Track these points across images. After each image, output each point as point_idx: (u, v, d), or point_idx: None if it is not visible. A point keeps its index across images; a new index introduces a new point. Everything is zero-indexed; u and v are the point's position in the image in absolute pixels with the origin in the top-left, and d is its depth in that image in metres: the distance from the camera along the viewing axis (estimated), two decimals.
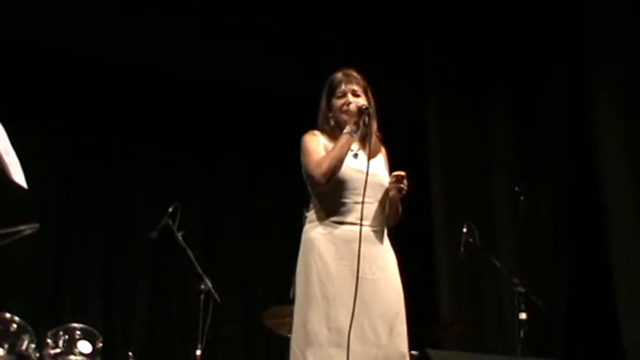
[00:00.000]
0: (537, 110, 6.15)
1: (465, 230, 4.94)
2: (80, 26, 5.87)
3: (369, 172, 3.24)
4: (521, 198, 5.25)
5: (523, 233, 5.79)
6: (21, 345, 4.48)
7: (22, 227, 4.09)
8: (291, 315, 4.61)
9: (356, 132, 3.27)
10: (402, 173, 3.27)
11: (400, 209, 3.37)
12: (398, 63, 6.48)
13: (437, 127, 6.40)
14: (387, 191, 3.30)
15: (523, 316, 4.70)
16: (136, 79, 6.20)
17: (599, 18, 5.58)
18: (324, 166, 3.23)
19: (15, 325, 4.50)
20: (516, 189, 5.29)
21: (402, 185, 3.25)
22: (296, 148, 3.61)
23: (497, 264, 5.06)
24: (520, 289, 4.77)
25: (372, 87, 3.52)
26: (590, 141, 5.50)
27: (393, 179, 3.28)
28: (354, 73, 3.40)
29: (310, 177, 3.29)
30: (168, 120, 6.42)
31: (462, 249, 4.92)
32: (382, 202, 3.34)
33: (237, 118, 6.49)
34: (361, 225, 3.19)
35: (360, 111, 3.27)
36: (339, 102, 3.36)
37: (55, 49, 5.90)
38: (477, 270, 5.72)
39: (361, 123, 3.27)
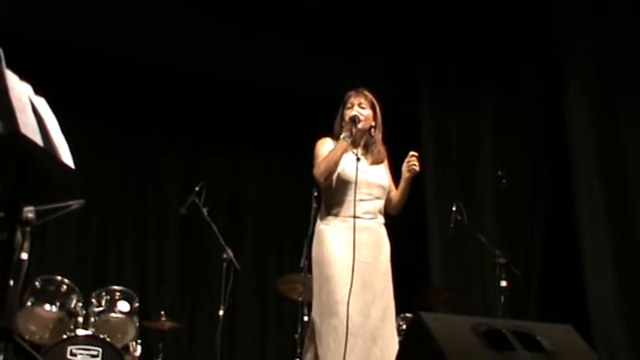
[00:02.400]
0: (518, 105, 6.11)
1: (454, 208, 4.94)
2: (129, 30, 5.85)
3: (367, 174, 3.40)
4: (503, 181, 5.26)
5: (504, 211, 5.80)
6: (70, 303, 4.54)
7: (70, 202, 4.11)
8: (300, 282, 4.68)
9: (350, 137, 3.39)
10: (415, 153, 3.42)
11: (407, 196, 3.49)
12: (395, 61, 6.47)
13: (430, 119, 6.37)
14: (405, 180, 3.41)
15: (503, 283, 4.71)
16: (167, 78, 6.17)
17: (571, 21, 5.55)
18: (322, 168, 3.38)
19: (65, 287, 4.57)
20: (499, 173, 5.30)
21: (414, 164, 3.38)
22: (305, 138, 3.65)
23: (482, 238, 5.07)
24: (501, 260, 4.78)
25: (371, 84, 3.58)
26: (563, 131, 5.48)
27: (408, 159, 3.42)
28: (365, 91, 3.53)
29: (313, 176, 3.43)
30: (197, 113, 6.41)
31: (451, 225, 4.92)
32: (383, 198, 3.46)
33: (256, 111, 6.45)
34: (355, 217, 3.31)
35: (352, 119, 3.41)
36: (347, 112, 3.48)
37: (100, 52, 5.86)
38: (464, 243, 5.71)
39: (354, 130, 3.38)
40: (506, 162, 5.76)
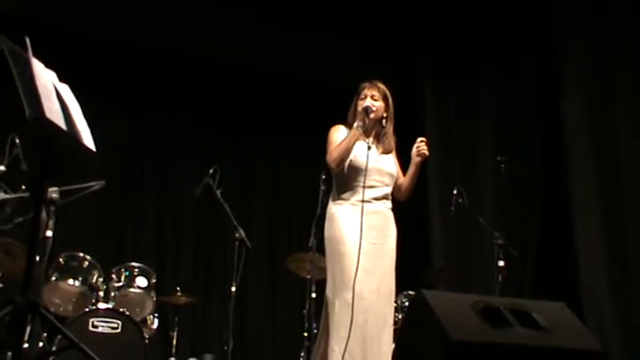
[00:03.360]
0: (516, 96, 6.08)
1: (455, 192, 4.92)
2: (148, 22, 5.85)
3: (378, 162, 3.41)
4: (502, 166, 5.23)
5: (503, 195, 5.78)
6: (91, 278, 4.57)
7: (91, 183, 4.13)
8: (308, 260, 4.70)
9: (362, 127, 3.40)
10: (424, 139, 3.46)
11: (416, 180, 3.51)
12: (400, 53, 6.45)
13: (433, 109, 6.36)
14: (415, 164, 3.44)
15: (501, 263, 4.70)
16: (185, 67, 6.16)
17: (569, 21, 5.51)
18: (335, 154, 3.40)
19: (87, 263, 4.59)
20: (498, 159, 5.27)
21: (424, 148, 3.41)
22: (316, 125, 3.65)
23: (482, 220, 5.06)
24: (499, 241, 4.77)
25: (378, 74, 3.59)
26: (559, 120, 5.47)
27: (417, 144, 3.45)
28: (378, 83, 3.54)
29: (326, 162, 3.45)
30: (212, 100, 6.41)
31: (453, 208, 4.90)
32: (392, 184, 3.48)
33: (268, 99, 6.44)
34: (364, 202, 3.33)
35: (364, 110, 3.42)
36: (360, 103, 3.50)
37: (123, 42, 5.86)
38: (464, 225, 5.72)
39: (366, 120, 3.40)
40: (505, 149, 5.74)
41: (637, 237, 4.92)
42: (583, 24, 5.42)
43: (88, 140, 2.66)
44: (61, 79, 2.69)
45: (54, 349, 3.93)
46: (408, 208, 3.69)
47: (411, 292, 4.75)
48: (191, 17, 5.96)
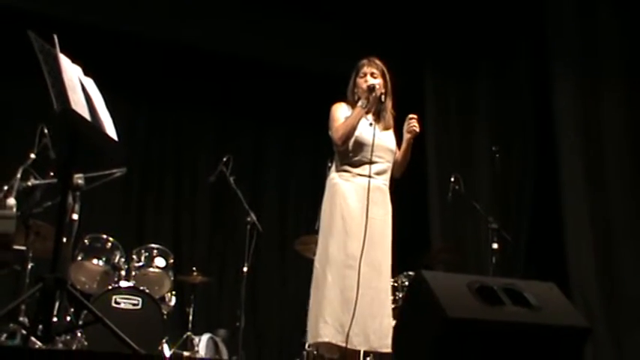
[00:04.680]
0: (511, 88, 6.04)
1: (452, 179, 4.90)
2: (163, 17, 5.84)
3: (380, 139, 3.28)
4: (497, 155, 5.21)
5: (497, 183, 5.76)
6: (114, 259, 4.61)
7: (114, 170, 4.15)
8: (316, 242, 4.69)
9: (366, 105, 3.28)
10: (414, 116, 3.31)
11: (409, 157, 3.38)
12: (401, 45, 6.40)
13: (432, 99, 6.29)
14: (406, 141, 3.32)
15: (495, 246, 4.69)
16: (202, 62, 6.16)
17: (558, 19, 5.49)
18: (340, 132, 3.26)
19: (110, 244, 4.63)
20: (493, 148, 5.25)
21: (414, 125, 3.28)
22: (322, 118, 3.62)
23: (477, 206, 5.04)
24: (493, 225, 4.75)
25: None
26: (550, 112, 5.44)
27: (408, 121, 3.31)
28: (376, 60, 3.40)
29: (331, 138, 3.32)
30: (227, 93, 6.39)
31: (450, 194, 4.89)
32: (392, 160, 3.36)
33: (277, 91, 6.42)
34: (370, 177, 3.22)
35: (369, 89, 3.29)
36: (360, 80, 3.37)
37: (144, 39, 5.87)
38: (460, 210, 5.70)
39: (371, 98, 3.29)
40: (499, 138, 5.71)
41: (620, 223, 4.93)
42: (572, 23, 5.40)
43: (111, 130, 2.67)
44: (86, 73, 2.70)
45: (80, 323, 3.97)
46: (408, 194, 3.68)
47: (410, 273, 4.74)
48: (211, 17, 5.95)
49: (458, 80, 6.33)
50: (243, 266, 4.94)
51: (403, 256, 3.53)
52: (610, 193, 5.02)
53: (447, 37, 6.26)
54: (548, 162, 5.50)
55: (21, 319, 3.86)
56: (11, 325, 3.72)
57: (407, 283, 4.58)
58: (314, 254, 4.76)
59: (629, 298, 4.76)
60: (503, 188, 5.81)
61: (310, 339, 3.19)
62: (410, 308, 2.38)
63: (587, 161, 5.16)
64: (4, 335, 3.80)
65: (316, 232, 4.53)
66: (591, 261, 4.97)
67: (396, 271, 3.41)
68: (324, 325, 3.05)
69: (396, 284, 4.50)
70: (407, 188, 3.59)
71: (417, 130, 3.30)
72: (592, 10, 5.30)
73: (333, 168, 3.38)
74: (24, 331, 3.57)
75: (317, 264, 3.25)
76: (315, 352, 3.39)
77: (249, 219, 5.03)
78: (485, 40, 6.11)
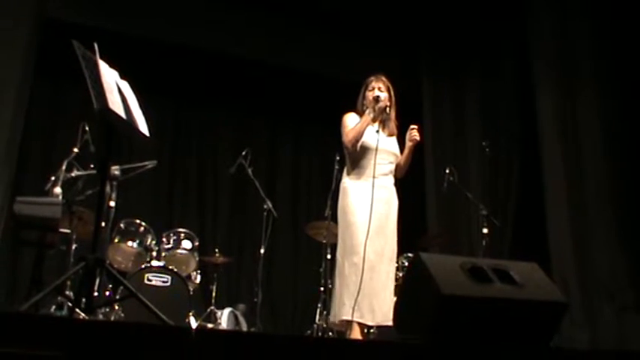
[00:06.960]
0: (498, 90, 6.03)
1: (447, 171, 4.91)
2: (188, 25, 5.81)
3: (385, 144, 3.41)
4: (487, 150, 5.23)
5: (487, 174, 5.77)
6: (146, 241, 4.61)
7: (146, 163, 4.18)
8: (324, 227, 4.73)
9: (373, 114, 3.42)
10: (415, 126, 3.44)
11: (410, 161, 3.50)
12: (398, 50, 6.37)
13: (428, 98, 6.28)
14: (408, 148, 3.44)
15: (485, 230, 4.71)
16: (225, 66, 6.13)
17: (538, 24, 5.45)
18: (350, 135, 3.40)
19: (142, 228, 4.63)
20: (483, 143, 5.27)
21: (415, 134, 3.41)
22: (330, 117, 3.65)
23: (469, 195, 5.06)
24: (484, 212, 4.77)
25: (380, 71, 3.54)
26: (534, 110, 5.43)
27: (410, 130, 3.43)
28: (382, 77, 3.54)
29: (342, 143, 3.45)
30: (246, 94, 6.36)
31: (445, 184, 4.90)
32: (395, 161, 3.47)
33: (290, 92, 6.38)
34: (374, 177, 3.33)
35: (375, 99, 3.43)
36: (368, 94, 3.50)
37: (172, 46, 5.85)
38: (454, 199, 5.70)
39: (376, 107, 3.42)
40: (489, 135, 5.70)
41: (594, 209, 4.92)
42: (550, 27, 5.37)
43: (143, 127, 2.69)
44: (122, 77, 2.72)
45: (117, 297, 4.02)
46: (408, 185, 3.70)
47: (410, 254, 4.75)
48: (228, 25, 5.93)
49: (451, 84, 6.31)
50: (260, 248, 4.96)
51: (403, 240, 3.57)
52: (586, 182, 5.02)
53: (440, 46, 6.24)
54: (532, 155, 5.49)
55: (67, 293, 3.91)
56: (59, 298, 3.77)
57: (406, 264, 4.60)
58: (324, 238, 4.82)
59: (600, 277, 4.78)
60: (493, 179, 5.81)
61: (332, 318, 3.34)
62: (409, 286, 2.40)
63: (566, 155, 5.15)
64: (53, 307, 3.85)
65: (325, 218, 4.56)
66: (569, 244, 4.98)
67: (397, 253, 3.45)
68: (343, 307, 3.20)
69: (397, 265, 4.51)
70: (407, 180, 3.63)
71: (418, 138, 3.44)
72: (570, 15, 5.29)
73: (345, 172, 3.51)
74: (69, 304, 3.62)
75: (338, 256, 3.38)
76: (332, 327, 3.50)
77: (265, 206, 5.05)
78: (474, 46, 6.09)
